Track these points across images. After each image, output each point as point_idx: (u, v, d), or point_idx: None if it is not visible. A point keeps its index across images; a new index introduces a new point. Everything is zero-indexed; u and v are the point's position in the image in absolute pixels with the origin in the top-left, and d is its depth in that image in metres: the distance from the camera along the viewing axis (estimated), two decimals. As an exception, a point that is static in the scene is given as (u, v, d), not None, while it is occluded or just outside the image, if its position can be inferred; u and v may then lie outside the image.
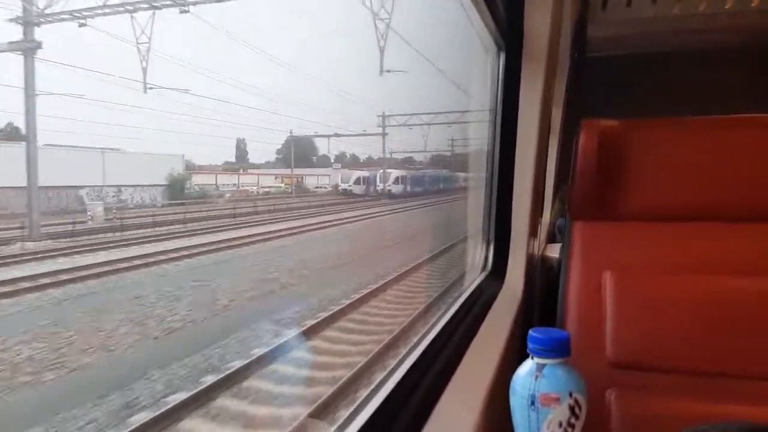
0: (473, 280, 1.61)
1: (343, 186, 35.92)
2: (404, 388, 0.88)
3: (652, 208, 1.28)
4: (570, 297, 1.24)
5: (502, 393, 0.78)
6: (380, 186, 34.22)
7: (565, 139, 3.40)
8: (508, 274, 1.59)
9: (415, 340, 1.12)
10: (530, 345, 0.75)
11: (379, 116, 35.13)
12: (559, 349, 0.74)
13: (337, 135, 36.47)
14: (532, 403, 0.73)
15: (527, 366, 0.75)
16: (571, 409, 0.72)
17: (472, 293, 1.44)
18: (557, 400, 0.72)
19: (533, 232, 1.70)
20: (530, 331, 0.76)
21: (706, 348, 1.10)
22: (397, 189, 34.07)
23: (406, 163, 42.34)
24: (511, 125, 1.58)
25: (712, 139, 1.27)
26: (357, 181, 35.82)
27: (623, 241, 1.27)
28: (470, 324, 1.21)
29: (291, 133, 32.34)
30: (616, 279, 1.20)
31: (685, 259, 1.21)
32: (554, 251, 1.71)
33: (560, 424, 0.72)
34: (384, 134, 34.56)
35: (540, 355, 0.74)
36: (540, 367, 0.74)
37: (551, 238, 2.56)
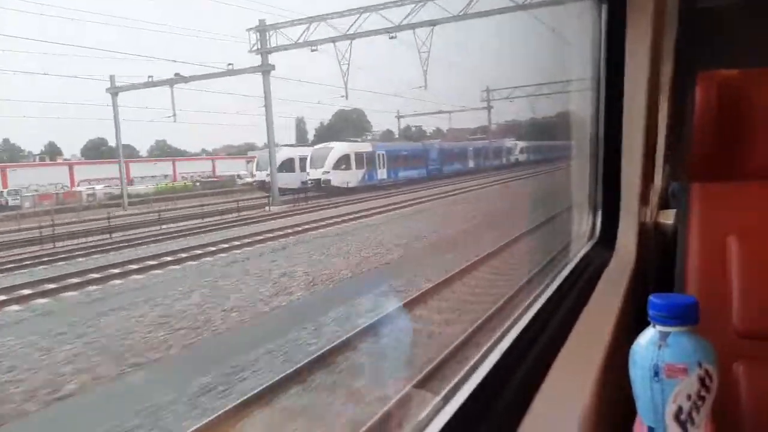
0: (579, 249, 1.54)
1: (260, 176, 21.46)
2: (509, 360, 0.86)
3: None
4: (690, 264, 1.15)
5: (619, 364, 0.74)
6: (314, 174, 20.28)
7: (675, 96, 3.13)
8: (618, 242, 1.51)
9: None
10: (651, 312, 0.69)
11: (250, 30, 18.69)
12: (685, 316, 0.67)
13: (184, 79, 19.11)
14: (656, 374, 0.67)
15: (648, 335, 0.70)
16: (701, 380, 0.66)
17: (579, 262, 1.38)
18: (684, 371, 0.66)
19: (644, 198, 1.60)
20: (651, 297, 0.70)
21: None
22: (342, 178, 20.46)
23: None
24: (617, 84, 1.49)
25: None
26: (285, 166, 20.74)
27: (748, 203, 1.17)
28: (579, 293, 1.17)
29: (113, 85, 17.97)
30: (742, 244, 1.10)
31: None
32: (667, 217, 1.61)
33: (689, 397, 0.66)
34: (265, 69, 18.57)
35: (663, 322, 0.68)
36: (663, 336, 0.68)
37: (663, 204, 2.39)
